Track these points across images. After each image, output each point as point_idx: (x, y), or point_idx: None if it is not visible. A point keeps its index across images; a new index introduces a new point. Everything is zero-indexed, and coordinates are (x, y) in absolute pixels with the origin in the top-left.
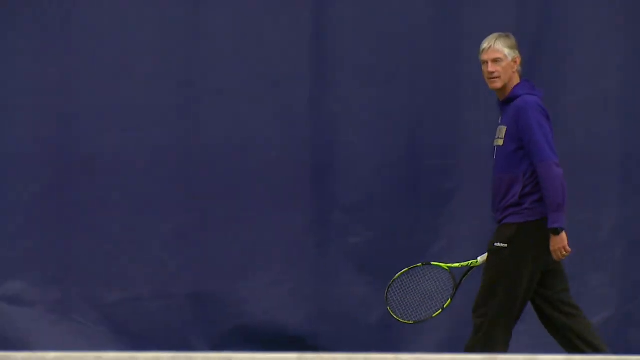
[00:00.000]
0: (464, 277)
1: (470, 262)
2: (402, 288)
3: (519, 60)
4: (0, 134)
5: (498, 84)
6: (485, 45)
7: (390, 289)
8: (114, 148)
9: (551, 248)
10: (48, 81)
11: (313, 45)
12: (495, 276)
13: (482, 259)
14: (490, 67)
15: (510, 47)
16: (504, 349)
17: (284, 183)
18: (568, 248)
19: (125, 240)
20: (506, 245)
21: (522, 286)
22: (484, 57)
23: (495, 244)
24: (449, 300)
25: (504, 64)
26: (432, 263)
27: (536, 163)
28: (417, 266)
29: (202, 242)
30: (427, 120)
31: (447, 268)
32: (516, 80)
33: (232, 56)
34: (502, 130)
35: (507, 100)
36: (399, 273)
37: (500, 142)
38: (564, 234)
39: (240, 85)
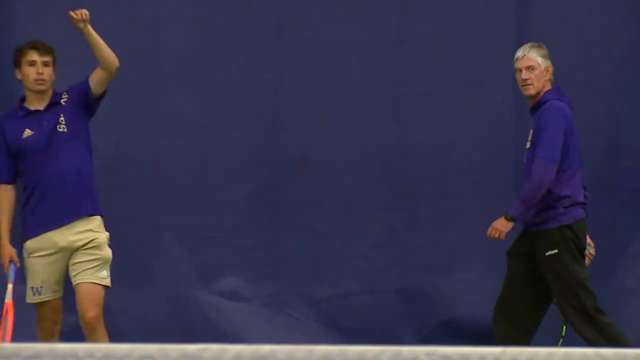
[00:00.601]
0: None
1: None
2: None
3: (551, 69)
4: (217, 137)
5: (532, 91)
6: (519, 53)
7: None
8: (325, 149)
9: (493, 225)
10: (262, 85)
11: (516, 48)
12: (565, 284)
13: None
14: (524, 75)
15: (543, 57)
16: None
17: (487, 183)
18: (503, 236)
19: (335, 239)
20: (556, 250)
21: (585, 278)
22: (519, 65)
23: (547, 254)
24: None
25: (537, 72)
26: None
27: (536, 156)
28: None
29: (408, 240)
30: (626, 122)
31: None
32: (547, 87)
33: (437, 59)
34: (530, 133)
35: (536, 106)
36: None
37: (528, 145)
38: (511, 224)
39: (445, 87)
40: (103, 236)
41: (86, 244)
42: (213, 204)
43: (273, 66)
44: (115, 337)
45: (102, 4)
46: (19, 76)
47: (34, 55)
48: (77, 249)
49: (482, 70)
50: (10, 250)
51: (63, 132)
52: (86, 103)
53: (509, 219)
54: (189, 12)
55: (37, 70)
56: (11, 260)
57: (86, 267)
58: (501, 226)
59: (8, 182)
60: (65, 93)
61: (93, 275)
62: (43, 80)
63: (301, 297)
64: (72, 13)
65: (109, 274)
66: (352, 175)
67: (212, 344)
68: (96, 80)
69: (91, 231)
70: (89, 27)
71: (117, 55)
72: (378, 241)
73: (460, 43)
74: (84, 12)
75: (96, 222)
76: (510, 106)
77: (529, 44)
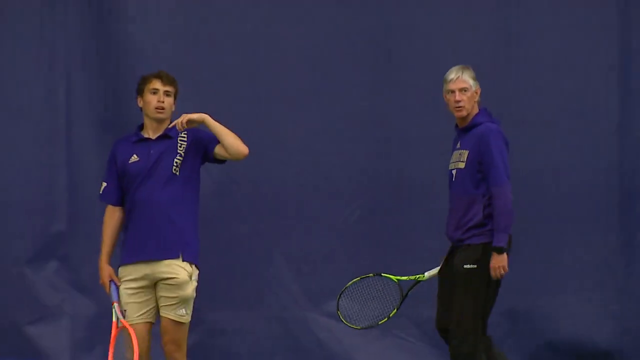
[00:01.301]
0: (410, 289)
1: (417, 276)
2: (353, 295)
3: (479, 91)
4: (327, 161)
5: (464, 112)
6: (452, 75)
7: (342, 296)
8: (430, 174)
9: (492, 266)
10: (370, 111)
11: (618, 72)
12: (466, 297)
13: (429, 274)
14: (458, 96)
15: (474, 79)
16: None
17: (594, 205)
18: (507, 267)
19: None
20: (475, 266)
21: (490, 304)
22: (452, 86)
23: (465, 266)
24: (395, 309)
25: (469, 93)
26: (383, 275)
27: (492, 185)
28: (369, 276)
29: (512, 263)
30: None
31: (396, 280)
32: (476, 109)
33: (539, 85)
34: (464, 154)
35: (468, 128)
36: (351, 281)
37: (462, 165)
38: (505, 254)
39: (547, 112)
40: (185, 274)
41: (168, 279)
42: (321, 228)
43: (382, 92)
44: (230, 357)
45: (226, 30)
46: (140, 103)
47: (157, 84)
48: (160, 281)
49: (584, 95)
50: (109, 271)
51: (168, 165)
52: (204, 155)
53: (501, 252)
54: (303, 41)
55: (158, 99)
56: (111, 280)
57: (167, 303)
58: (499, 262)
59: (116, 204)
60: (185, 132)
61: (172, 312)
62: (163, 108)
63: (407, 318)
64: (177, 124)
65: (188, 312)
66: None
67: None
68: (219, 154)
69: (176, 266)
70: (207, 119)
71: (234, 78)
72: None
73: (561, 68)
74: (183, 121)
75: (180, 259)
76: (613, 131)
77: (459, 66)
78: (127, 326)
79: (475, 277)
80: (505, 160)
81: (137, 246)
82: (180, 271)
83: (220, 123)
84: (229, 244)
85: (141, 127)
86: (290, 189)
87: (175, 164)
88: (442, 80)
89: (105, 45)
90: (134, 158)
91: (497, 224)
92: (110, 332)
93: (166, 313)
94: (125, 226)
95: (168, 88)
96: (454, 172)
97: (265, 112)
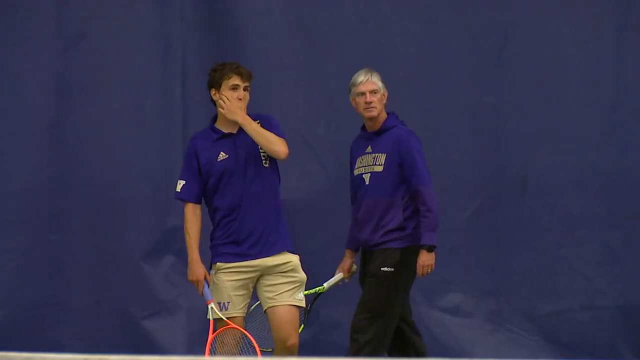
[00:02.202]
0: (313, 303)
1: (317, 288)
2: (257, 318)
3: (386, 95)
4: (439, 156)
5: (374, 113)
6: (362, 78)
7: (248, 320)
8: (544, 170)
9: (421, 264)
10: (484, 107)
11: None
12: (380, 299)
13: (328, 284)
14: (369, 98)
15: (382, 81)
16: None
17: None
18: (434, 265)
19: (556, 256)
20: (392, 269)
21: (400, 307)
22: (362, 88)
23: (382, 269)
24: (302, 325)
25: (379, 95)
26: None
27: (418, 186)
28: None
29: (627, 257)
30: None
31: None
32: (384, 112)
33: None
34: (381, 157)
35: (381, 131)
36: (254, 305)
37: (380, 169)
38: (434, 253)
39: None
40: (296, 259)
41: (282, 264)
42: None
43: (494, 88)
44: (344, 352)
45: (339, 27)
46: (214, 96)
47: (237, 80)
48: (271, 271)
49: None
50: (203, 269)
51: (258, 159)
52: None
53: (431, 250)
54: (415, 37)
55: (238, 96)
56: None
57: (284, 290)
58: (428, 260)
59: (197, 202)
60: (259, 122)
61: (292, 297)
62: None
63: (522, 313)
64: None
65: (303, 296)
66: (570, 195)
67: (436, 358)
68: None
69: (286, 253)
70: (240, 121)
71: (346, 77)
72: (597, 259)
73: None
74: None
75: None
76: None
77: (366, 69)
78: (232, 324)
79: (390, 280)
80: (424, 160)
81: (244, 242)
82: (291, 257)
83: (336, 117)
84: (343, 239)
85: (215, 119)
86: None
87: (263, 157)
88: (554, 76)
89: (220, 44)
90: (222, 155)
91: (427, 222)
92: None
93: (285, 300)
94: (217, 223)
95: (247, 83)
96: (366, 176)
97: None
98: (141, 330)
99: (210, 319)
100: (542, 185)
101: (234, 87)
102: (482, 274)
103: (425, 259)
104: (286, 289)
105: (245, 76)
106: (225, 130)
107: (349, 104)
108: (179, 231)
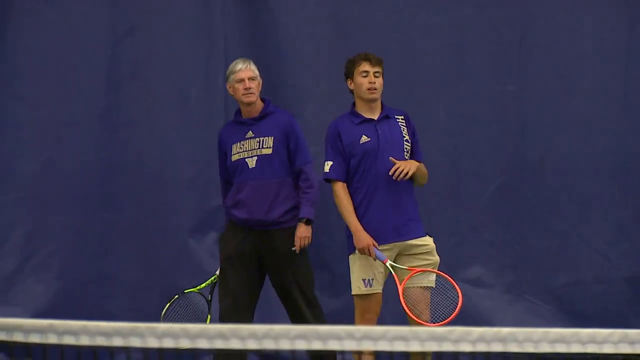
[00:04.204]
0: (211, 293)
1: (212, 278)
2: (172, 319)
3: (261, 82)
4: (465, 142)
5: (253, 98)
6: (240, 65)
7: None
8: (561, 153)
9: (299, 235)
10: (506, 95)
11: None
12: (300, 273)
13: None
14: (247, 84)
15: (258, 70)
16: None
17: None
18: (311, 238)
19: (571, 233)
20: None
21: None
22: (242, 75)
23: (293, 248)
24: (209, 315)
25: (256, 82)
26: (185, 291)
27: (304, 164)
28: (175, 298)
29: (637, 234)
30: None
31: (197, 291)
32: (259, 99)
33: None
34: (268, 140)
35: (262, 116)
36: (164, 310)
37: (269, 151)
38: (311, 227)
39: None
40: (431, 241)
41: (419, 246)
42: (461, 202)
43: (516, 78)
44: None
45: (374, 19)
46: (350, 86)
47: (366, 66)
48: (408, 251)
49: None
50: (369, 236)
51: (399, 146)
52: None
53: (308, 224)
54: (442, 30)
55: (369, 80)
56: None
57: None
58: (306, 232)
59: (344, 180)
60: (403, 117)
61: (426, 279)
62: (375, 89)
63: (539, 285)
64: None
65: (434, 277)
66: (585, 177)
67: (458, 327)
68: None
69: (425, 236)
70: (414, 168)
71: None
72: (610, 235)
73: None
74: (410, 172)
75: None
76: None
77: (243, 58)
78: (439, 272)
79: (301, 255)
80: (306, 141)
81: (387, 225)
82: (427, 240)
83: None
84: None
85: (354, 105)
86: (433, 166)
87: (406, 149)
88: (573, 65)
89: (260, 35)
90: (364, 139)
91: (308, 197)
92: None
93: (418, 282)
94: (358, 205)
95: (377, 69)
96: (250, 160)
97: (410, 97)
98: None
99: (393, 273)
100: (559, 168)
101: (364, 74)
102: (503, 249)
103: (303, 231)
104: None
105: (374, 62)
106: (366, 116)
107: (385, 96)
108: (221, 210)
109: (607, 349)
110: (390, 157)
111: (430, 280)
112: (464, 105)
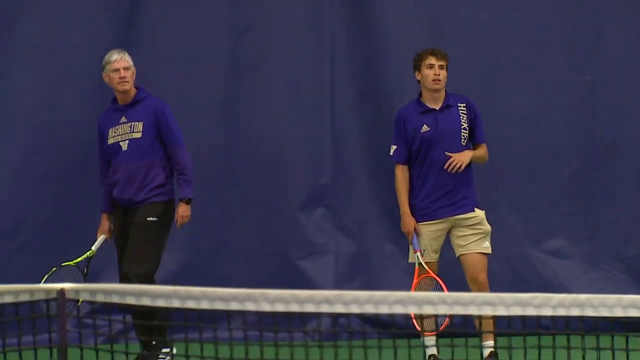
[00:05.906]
0: (87, 266)
1: (87, 253)
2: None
3: (135, 71)
4: (543, 128)
5: (127, 87)
6: (116, 56)
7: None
8: (633, 138)
9: (181, 214)
10: (581, 84)
11: None
12: (148, 244)
13: (95, 247)
14: (122, 73)
15: (131, 60)
16: None
17: None
18: (190, 217)
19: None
20: (156, 219)
21: (162, 254)
22: (117, 65)
23: (147, 219)
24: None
25: (130, 71)
26: (62, 264)
27: (175, 147)
28: (53, 270)
29: None
30: None
31: (74, 264)
32: (133, 87)
33: None
34: (138, 125)
35: (134, 102)
36: (42, 280)
37: (138, 135)
38: (190, 205)
39: None
40: (481, 213)
41: (470, 218)
42: (539, 182)
43: (591, 68)
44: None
45: (461, 15)
46: (418, 77)
47: (432, 60)
48: (461, 224)
49: None
50: (414, 222)
51: (457, 134)
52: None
53: (188, 203)
54: (522, 25)
55: (434, 72)
56: (414, 231)
57: (473, 240)
58: (187, 211)
59: (405, 163)
60: (465, 105)
61: (480, 247)
62: (439, 80)
63: (612, 255)
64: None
65: (489, 244)
66: None
67: (540, 293)
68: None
69: (475, 209)
70: (467, 159)
71: (464, 60)
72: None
73: None
74: (459, 164)
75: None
76: None
77: (118, 49)
78: (433, 275)
79: (156, 228)
80: (177, 125)
81: (438, 203)
82: (476, 212)
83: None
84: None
85: (420, 94)
86: (515, 149)
87: (463, 137)
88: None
89: (362, 33)
90: (425, 128)
91: (184, 179)
92: (414, 277)
93: (474, 248)
94: (413, 186)
95: (442, 62)
96: (123, 143)
97: (495, 85)
98: (297, 269)
99: (416, 265)
100: (630, 151)
101: (430, 66)
102: (579, 223)
103: (184, 210)
104: (474, 240)
105: (439, 56)
106: (430, 106)
107: (473, 86)
108: (328, 187)
109: None
110: (446, 152)
111: (485, 247)
112: (545, 94)
